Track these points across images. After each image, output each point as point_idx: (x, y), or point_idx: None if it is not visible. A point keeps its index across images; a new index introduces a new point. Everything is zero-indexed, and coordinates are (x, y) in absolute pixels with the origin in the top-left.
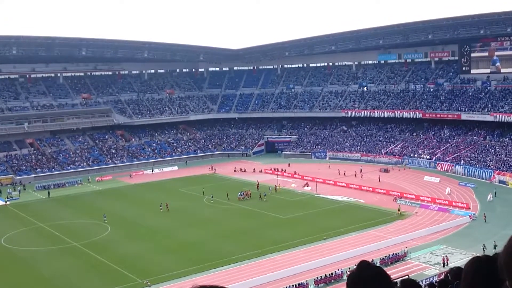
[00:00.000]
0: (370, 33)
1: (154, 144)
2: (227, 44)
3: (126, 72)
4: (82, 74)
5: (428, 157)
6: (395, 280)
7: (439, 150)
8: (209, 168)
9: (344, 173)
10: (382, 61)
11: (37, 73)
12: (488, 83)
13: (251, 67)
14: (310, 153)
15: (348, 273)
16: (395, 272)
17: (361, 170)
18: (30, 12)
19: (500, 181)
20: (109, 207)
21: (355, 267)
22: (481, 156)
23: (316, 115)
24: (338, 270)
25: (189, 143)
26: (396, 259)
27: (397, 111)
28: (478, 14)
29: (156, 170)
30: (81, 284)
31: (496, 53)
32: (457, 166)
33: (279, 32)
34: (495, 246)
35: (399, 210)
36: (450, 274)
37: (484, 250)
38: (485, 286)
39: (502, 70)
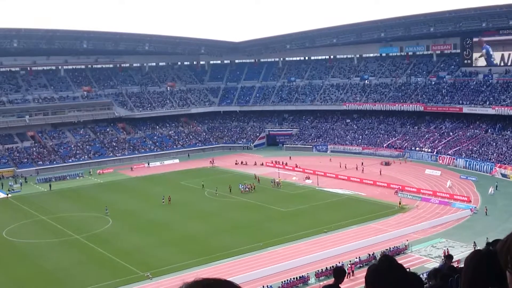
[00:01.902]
0: (371, 26)
1: (155, 137)
2: (228, 37)
3: (127, 65)
4: (83, 66)
5: (429, 150)
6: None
7: (441, 143)
8: (210, 161)
9: (345, 166)
10: (383, 54)
11: (38, 66)
12: (490, 76)
13: (252, 60)
14: (311, 146)
15: (349, 266)
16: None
17: (362, 163)
18: (31, 4)
19: (501, 174)
20: (110, 200)
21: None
22: (482, 149)
23: (318, 108)
24: (339, 263)
25: (190, 136)
26: (397, 252)
27: (399, 104)
28: (480, 7)
29: (157, 163)
30: (82, 277)
31: (491, 38)
32: (458, 159)
33: (281, 25)
34: (487, 243)
35: (400, 204)
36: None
37: (474, 248)
38: (486, 280)
39: (502, 64)
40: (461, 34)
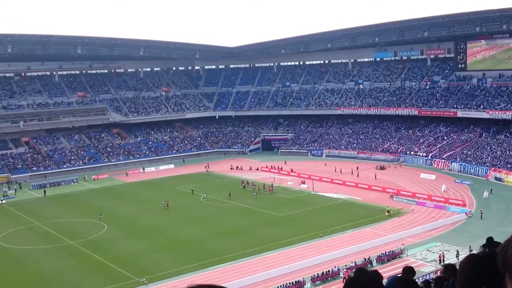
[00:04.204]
0: (365, 31)
1: (150, 142)
2: (223, 42)
3: (122, 70)
4: (77, 72)
5: (424, 154)
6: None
7: (435, 147)
8: (205, 167)
9: (341, 171)
10: (378, 59)
11: (33, 72)
12: (484, 80)
13: (247, 65)
14: (306, 151)
15: (345, 270)
16: (391, 270)
17: (357, 168)
18: (25, 10)
19: (496, 178)
20: (105, 205)
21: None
22: (477, 153)
23: (312, 112)
24: (335, 267)
25: (186, 141)
26: (393, 256)
27: (393, 109)
28: (473, 11)
29: (152, 169)
30: (77, 283)
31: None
32: (453, 163)
33: (275, 30)
34: (470, 251)
35: (388, 212)
36: (444, 269)
37: (457, 256)
38: (481, 283)
39: (498, 67)
40: (455, 38)
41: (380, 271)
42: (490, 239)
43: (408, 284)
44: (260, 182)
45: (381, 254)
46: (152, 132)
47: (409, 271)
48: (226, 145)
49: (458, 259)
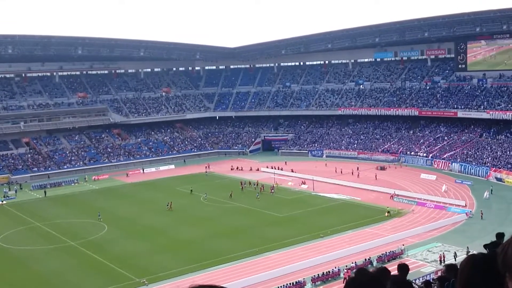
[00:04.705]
0: (366, 31)
1: (150, 143)
2: (224, 43)
3: (122, 70)
4: (78, 73)
5: (424, 154)
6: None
7: (436, 147)
8: (206, 167)
9: (341, 171)
10: (378, 59)
11: (33, 72)
12: (484, 80)
13: (248, 66)
14: (307, 151)
15: (345, 271)
16: (392, 270)
17: (357, 168)
18: (26, 10)
19: (496, 178)
20: (105, 206)
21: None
22: (477, 153)
23: (313, 113)
24: (335, 268)
25: (186, 142)
26: (393, 256)
27: (394, 109)
28: (474, 12)
29: (152, 169)
30: (78, 283)
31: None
32: (453, 163)
33: (276, 30)
34: (468, 252)
35: (388, 212)
36: (446, 269)
37: (455, 258)
38: (481, 283)
39: (498, 67)
40: (455, 38)
41: None
42: (500, 235)
43: (400, 283)
44: (261, 182)
45: (382, 254)
46: (153, 132)
47: (403, 268)
48: (227, 145)
49: (456, 260)
